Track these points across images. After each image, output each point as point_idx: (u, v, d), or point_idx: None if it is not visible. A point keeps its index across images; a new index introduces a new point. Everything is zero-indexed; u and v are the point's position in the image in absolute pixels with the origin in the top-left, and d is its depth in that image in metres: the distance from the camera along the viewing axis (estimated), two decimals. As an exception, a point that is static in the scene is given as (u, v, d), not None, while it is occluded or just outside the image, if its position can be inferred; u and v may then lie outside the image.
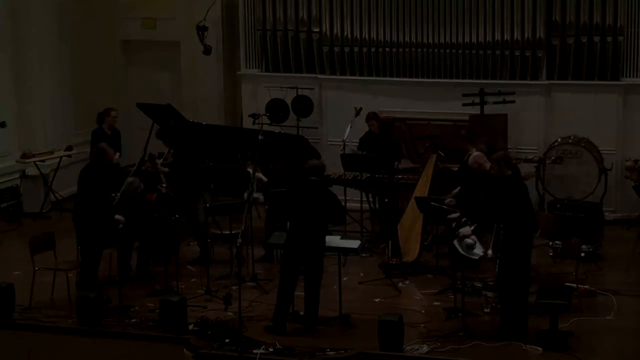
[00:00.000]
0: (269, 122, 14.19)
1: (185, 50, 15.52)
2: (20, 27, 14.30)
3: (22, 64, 14.38)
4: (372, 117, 13.03)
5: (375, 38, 14.10)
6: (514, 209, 9.40)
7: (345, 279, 10.77)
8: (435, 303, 10.56)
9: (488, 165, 10.43)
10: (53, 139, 14.64)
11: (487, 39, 13.68)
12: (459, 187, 11.22)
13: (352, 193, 12.97)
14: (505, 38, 13.64)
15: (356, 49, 14.19)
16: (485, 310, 10.17)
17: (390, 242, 11.65)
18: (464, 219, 10.04)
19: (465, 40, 13.77)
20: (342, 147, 12.90)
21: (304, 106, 14.39)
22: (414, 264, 11.53)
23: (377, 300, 10.71)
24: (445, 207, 10.57)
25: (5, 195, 14.01)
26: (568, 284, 10.35)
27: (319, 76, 14.44)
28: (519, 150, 13.40)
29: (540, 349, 9.24)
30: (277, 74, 14.64)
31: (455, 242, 9.78)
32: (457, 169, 11.87)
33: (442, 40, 13.85)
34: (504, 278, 9.48)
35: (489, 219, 9.68)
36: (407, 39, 13.98)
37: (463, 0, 13.69)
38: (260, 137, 10.76)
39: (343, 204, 12.54)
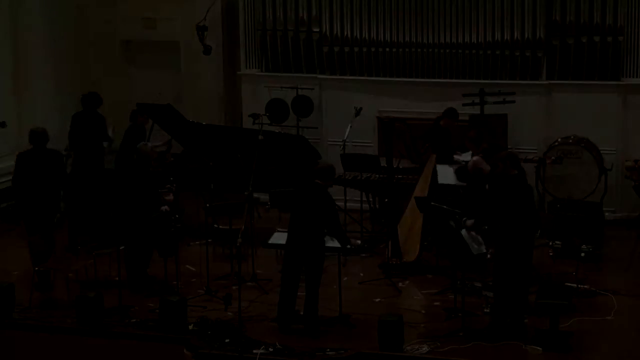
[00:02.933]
0: (269, 122, 14.19)
1: (185, 50, 15.52)
2: (20, 27, 14.30)
3: (21, 63, 14.38)
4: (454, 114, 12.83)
5: (375, 38, 14.09)
6: (516, 209, 9.41)
7: (345, 279, 10.77)
8: (435, 303, 10.56)
9: (487, 168, 10.46)
10: (53, 139, 14.58)
11: (487, 39, 13.68)
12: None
13: (352, 193, 12.97)
14: (505, 38, 13.64)
15: (356, 49, 14.19)
16: (485, 310, 10.17)
17: (390, 242, 11.65)
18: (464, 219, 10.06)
19: (465, 40, 13.77)
20: (342, 147, 12.90)
21: (304, 106, 14.39)
22: (413, 264, 11.53)
23: (377, 300, 10.71)
24: (444, 207, 10.57)
25: (5, 195, 14.00)
26: (568, 284, 10.36)
27: (319, 76, 14.44)
28: (519, 150, 13.36)
29: (540, 349, 9.25)
30: (277, 74, 14.64)
31: (463, 232, 9.78)
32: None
33: (442, 40, 13.84)
34: (501, 276, 9.49)
35: (490, 217, 9.69)
36: (407, 39, 13.98)
37: (463, 0, 13.70)
38: (260, 137, 10.76)
39: (343, 204, 12.64)
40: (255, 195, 11.83)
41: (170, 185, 11.51)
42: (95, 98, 13.42)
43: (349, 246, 9.95)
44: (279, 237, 10.19)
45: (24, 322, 10.19)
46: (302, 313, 9.90)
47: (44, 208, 11.16)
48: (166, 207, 11.05)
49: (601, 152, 13.22)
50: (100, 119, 13.30)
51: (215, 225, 12.04)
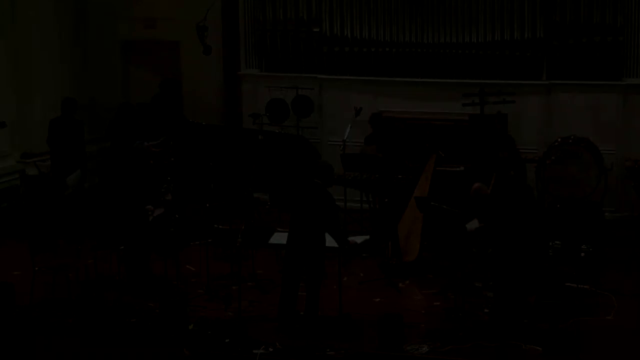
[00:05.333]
0: (269, 122, 14.19)
1: (185, 50, 15.52)
2: (20, 27, 14.30)
3: (22, 63, 14.38)
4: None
5: (375, 38, 14.10)
6: (516, 208, 9.41)
7: (345, 279, 10.77)
8: (435, 303, 10.56)
9: (487, 191, 10.40)
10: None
11: (487, 39, 13.69)
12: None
13: (352, 193, 12.97)
14: (505, 38, 13.65)
15: (356, 49, 14.19)
16: (485, 310, 10.17)
17: (390, 242, 11.65)
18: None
19: (465, 40, 13.77)
20: (342, 147, 12.90)
21: (304, 106, 14.39)
22: (413, 264, 11.54)
23: (377, 300, 10.71)
24: (444, 207, 10.57)
25: (5, 195, 14.00)
26: (568, 284, 10.35)
27: (319, 76, 14.44)
28: (519, 151, 13.38)
29: (540, 349, 9.25)
30: (277, 74, 14.64)
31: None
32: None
33: (442, 40, 13.85)
34: (502, 276, 9.50)
35: (491, 218, 9.70)
36: (407, 39, 13.98)
37: (463, 0, 13.70)
38: (260, 137, 10.77)
39: (343, 204, 12.64)
40: (255, 195, 11.84)
41: (167, 185, 11.51)
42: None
43: (346, 247, 9.91)
44: (279, 237, 10.19)
45: (24, 322, 10.19)
46: (302, 313, 9.91)
47: (68, 166, 13.00)
48: (150, 206, 10.99)
49: (601, 152, 13.21)
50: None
51: (215, 225, 12.05)
